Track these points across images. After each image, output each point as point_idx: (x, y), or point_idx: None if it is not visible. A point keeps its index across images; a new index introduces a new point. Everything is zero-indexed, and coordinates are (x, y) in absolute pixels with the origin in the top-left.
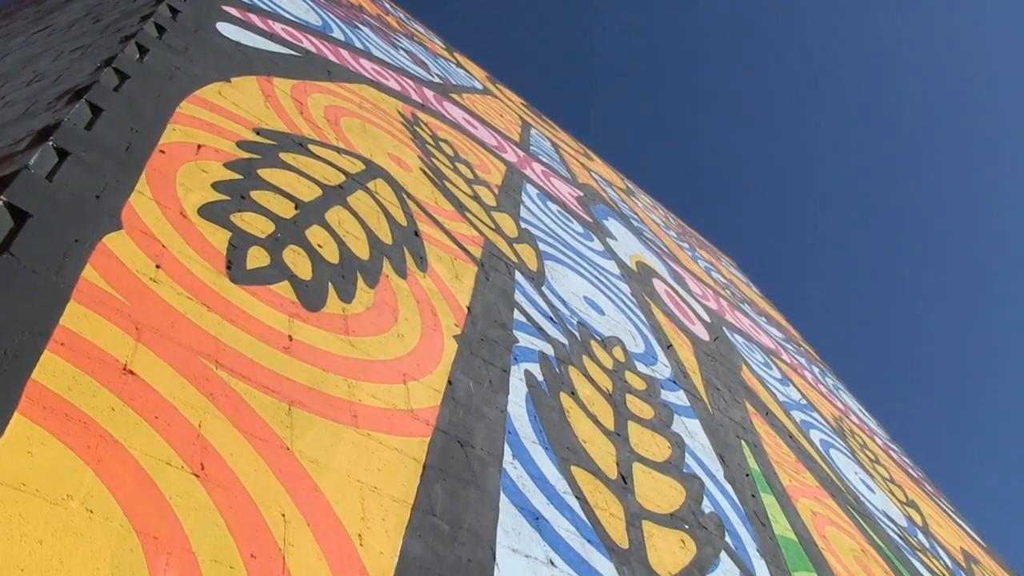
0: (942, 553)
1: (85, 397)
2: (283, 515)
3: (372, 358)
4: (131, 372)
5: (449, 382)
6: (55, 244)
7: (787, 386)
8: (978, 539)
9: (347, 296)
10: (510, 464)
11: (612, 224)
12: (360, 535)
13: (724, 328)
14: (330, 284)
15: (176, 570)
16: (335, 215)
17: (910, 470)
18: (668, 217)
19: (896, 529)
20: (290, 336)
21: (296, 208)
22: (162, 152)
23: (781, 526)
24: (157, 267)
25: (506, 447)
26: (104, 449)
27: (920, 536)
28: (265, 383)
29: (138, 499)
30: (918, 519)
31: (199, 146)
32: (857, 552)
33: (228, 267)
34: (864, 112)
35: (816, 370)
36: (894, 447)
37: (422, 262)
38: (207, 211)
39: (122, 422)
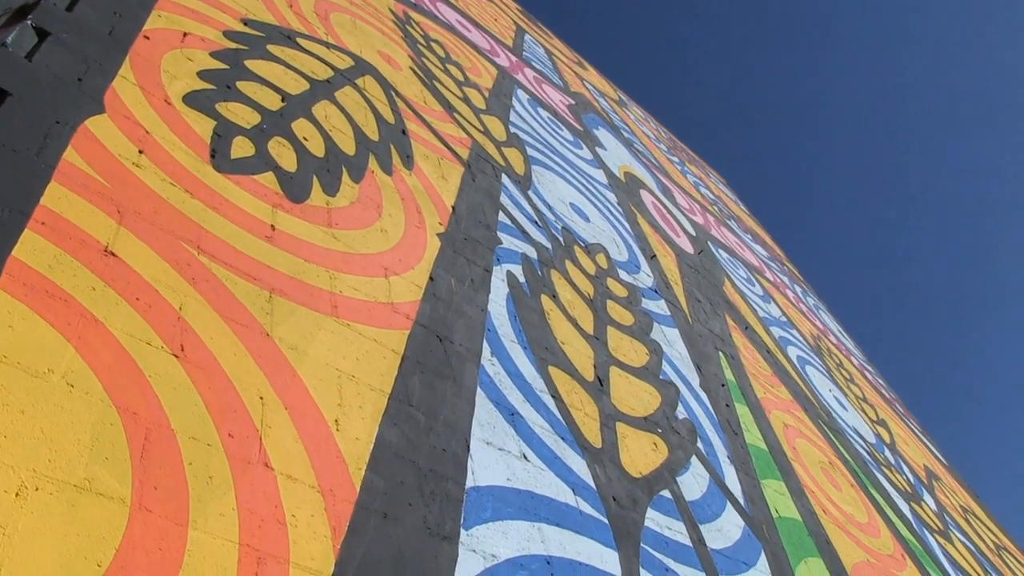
0: (906, 469)
1: (66, 276)
2: (261, 398)
3: (354, 251)
4: (112, 254)
5: (431, 278)
6: (36, 124)
7: (768, 303)
8: (941, 458)
9: (331, 190)
10: (488, 361)
11: (602, 134)
12: (337, 421)
13: (709, 243)
14: (315, 177)
15: (155, 445)
16: (322, 109)
17: (883, 391)
18: (659, 131)
19: (864, 445)
20: (273, 226)
21: (283, 100)
22: (146, 38)
23: (752, 435)
24: (140, 152)
25: (485, 344)
26: (85, 327)
27: (887, 453)
28: (247, 270)
29: (118, 376)
30: (886, 437)
31: (185, 34)
32: (825, 464)
33: (212, 155)
34: (865, 33)
35: (799, 289)
36: (869, 368)
37: (408, 160)
38: (192, 99)
39: (103, 301)
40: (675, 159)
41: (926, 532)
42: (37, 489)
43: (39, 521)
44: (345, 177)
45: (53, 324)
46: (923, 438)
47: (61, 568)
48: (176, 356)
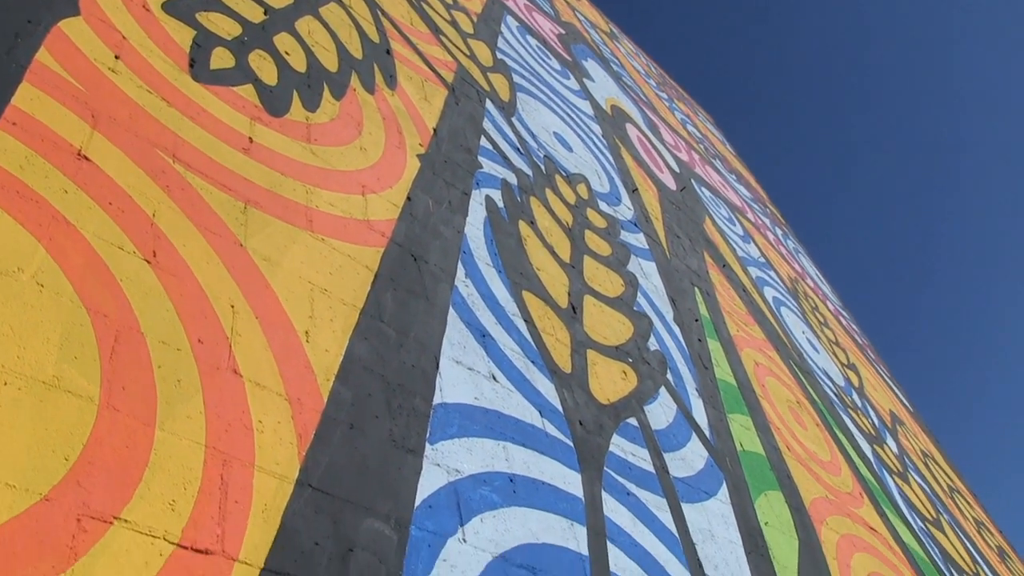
0: (872, 413)
1: (37, 178)
2: (232, 306)
3: (332, 167)
4: (86, 158)
5: (408, 198)
6: (5, 23)
7: (748, 243)
8: (907, 404)
9: (311, 105)
10: (462, 282)
11: (591, 65)
12: (307, 332)
13: (693, 180)
14: (295, 92)
15: (124, 347)
16: (305, 24)
17: (856, 336)
18: (650, 66)
19: (833, 387)
20: (250, 138)
21: (265, 13)
22: None
23: (723, 370)
24: (116, 58)
25: (459, 266)
26: (56, 229)
27: (855, 396)
28: (222, 181)
29: (89, 278)
30: (855, 380)
31: None
32: (792, 403)
33: (191, 65)
34: None
35: (779, 232)
36: (845, 314)
37: (391, 80)
38: (172, 7)
39: (75, 205)
40: (664, 95)
41: (885, 473)
42: (5, 384)
43: (7, 414)
44: (326, 94)
45: (24, 224)
46: (891, 384)
47: (29, 460)
48: (148, 262)
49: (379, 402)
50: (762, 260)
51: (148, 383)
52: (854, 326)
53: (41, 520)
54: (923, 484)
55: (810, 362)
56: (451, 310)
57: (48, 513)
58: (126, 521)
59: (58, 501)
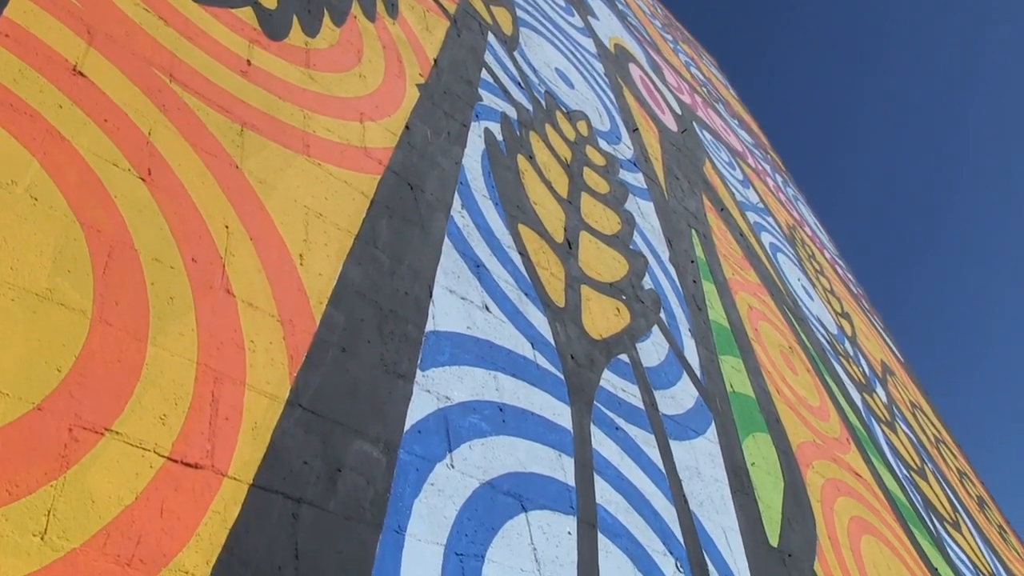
0: (863, 362)
1: (32, 92)
2: (227, 227)
3: (331, 93)
4: (81, 74)
5: (407, 127)
6: None
7: (747, 188)
8: (898, 354)
9: (311, 30)
10: (458, 213)
11: (596, 3)
12: (301, 255)
13: (694, 123)
14: (295, 16)
15: (117, 263)
16: None
17: (851, 286)
18: (656, 6)
19: (825, 335)
20: (248, 61)
21: None
22: None
23: (716, 312)
24: None
25: (456, 196)
26: (51, 143)
27: (847, 344)
28: (219, 102)
29: (83, 194)
30: (848, 329)
31: None
32: (784, 348)
33: None
34: None
35: (779, 179)
36: (841, 263)
37: (393, 9)
38: None
39: (70, 120)
40: (668, 36)
41: (873, 421)
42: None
43: (1, 325)
44: (326, 19)
45: (17, 137)
46: (884, 335)
47: (22, 370)
48: (143, 179)
49: (371, 327)
50: (761, 206)
51: (141, 299)
52: (850, 276)
53: (34, 428)
54: (910, 433)
55: (804, 309)
56: (446, 240)
57: (41, 422)
58: (117, 433)
59: (51, 411)
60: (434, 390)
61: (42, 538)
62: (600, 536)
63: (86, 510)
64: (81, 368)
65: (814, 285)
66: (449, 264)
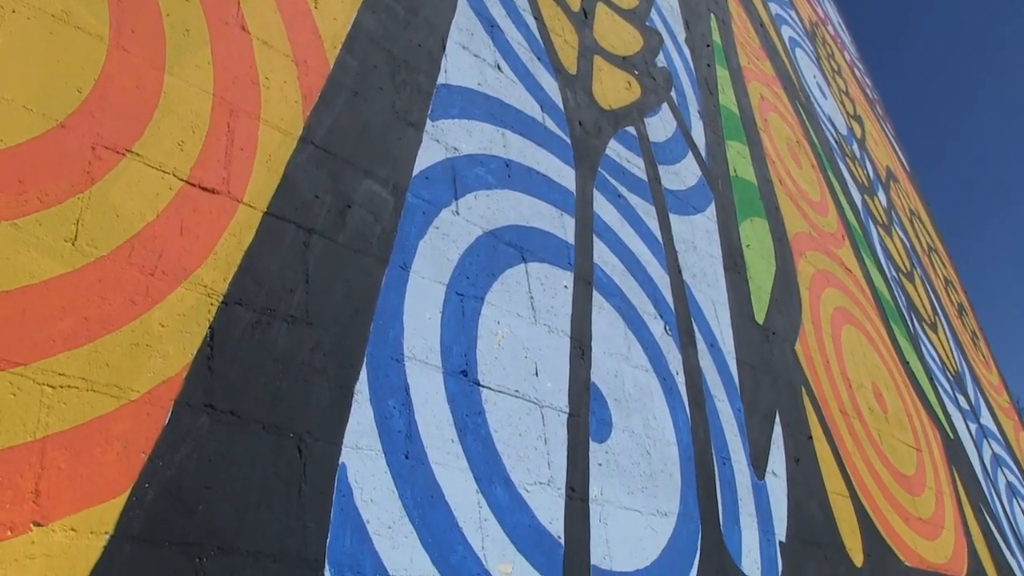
0: (868, 165)
1: None
2: None
3: None
4: None
5: None
6: None
7: None
8: (905, 164)
9: None
10: None
11: None
12: (316, 0)
13: None
14: None
15: None
16: None
17: (867, 90)
18: None
19: (835, 134)
20: None
21: None
22: None
23: (727, 98)
24: None
25: None
26: None
27: (855, 146)
28: None
29: None
30: (858, 132)
31: None
32: (791, 142)
33: None
34: None
35: None
36: (860, 66)
37: None
38: None
39: None
40: None
41: (870, 222)
42: (14, 11)
43: (19, 41)
44: None
45: None
46: (894, 143)
47: (43, 88)
48: None
49: (384, 74)
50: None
51: (157, 29)
52: (867, 80)
53: (59, 144)
54: (904, 238)
55: (816, 106)
56: None
57: (64, 138)
58: (138, 155)
59: (73, 128)
60: (443, 140)
61: (73, 244)
62: (595, 293)
63: (111, 223)
64: (101, 91)
65: (829, 84)
66: (463, 21)
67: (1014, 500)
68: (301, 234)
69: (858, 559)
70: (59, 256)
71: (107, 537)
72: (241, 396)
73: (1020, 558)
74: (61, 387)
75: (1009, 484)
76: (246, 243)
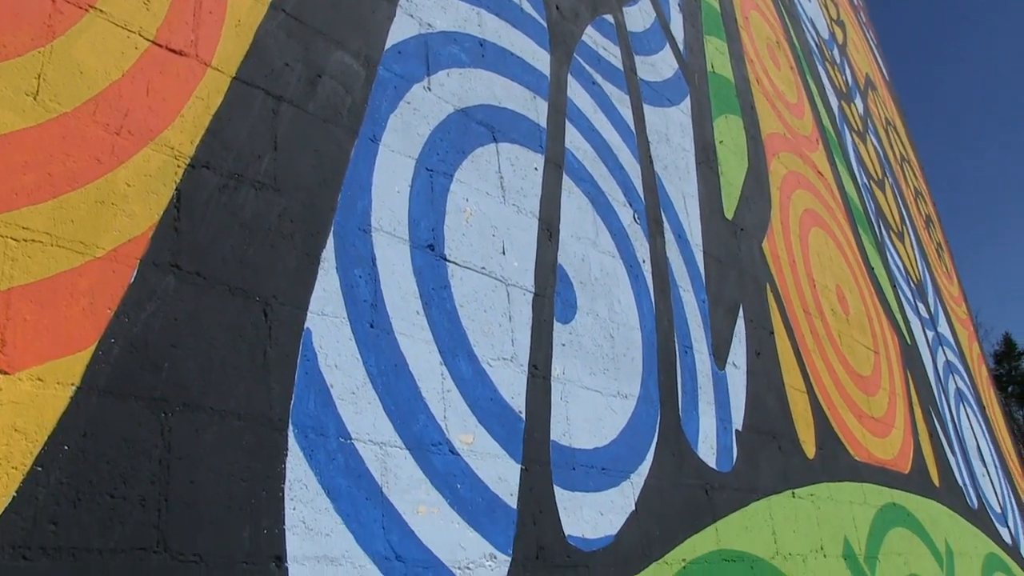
0: (848, 71)
1: None
2: None
3: None
4: None
5: None
6: None
7: None
8: (885, 73)
9: None
10: None
11: None
12: None
13: None
14: None
15: None
16: None
17: None
18: None
19: (816, 37)
20: None
21: None
22: None
23: None
24: None
25: None
26: None
27: (836, 51)
28: None
29: None
30: (840, 37)
31: None
32: (771, 42)
33: None
34: None
35: None
36: None
37: None
38: None
39: None
40: None
41: (846, 128)
42: None
43: None
44: None
45: None
46: (875, 51)
47: None
48: None
49: None
50: None
51: None
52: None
53: None
54: (878, 147)
55: (799, 7)
56: None
57: None
58: (102, 11)
59: None
60: (416, 15)
61: (35, 98)
62: (565, 177)
63: (75, 79)
64: None
65: None
66: None
67: (961, 405)
68: (270, 101)
69: (810, 451)
70: (20, 110)
71: (73, 388)
72: (208, 258)
73: (959, 458)
74: (25, 240)
75: (959, 390)
76: (214, 107)
